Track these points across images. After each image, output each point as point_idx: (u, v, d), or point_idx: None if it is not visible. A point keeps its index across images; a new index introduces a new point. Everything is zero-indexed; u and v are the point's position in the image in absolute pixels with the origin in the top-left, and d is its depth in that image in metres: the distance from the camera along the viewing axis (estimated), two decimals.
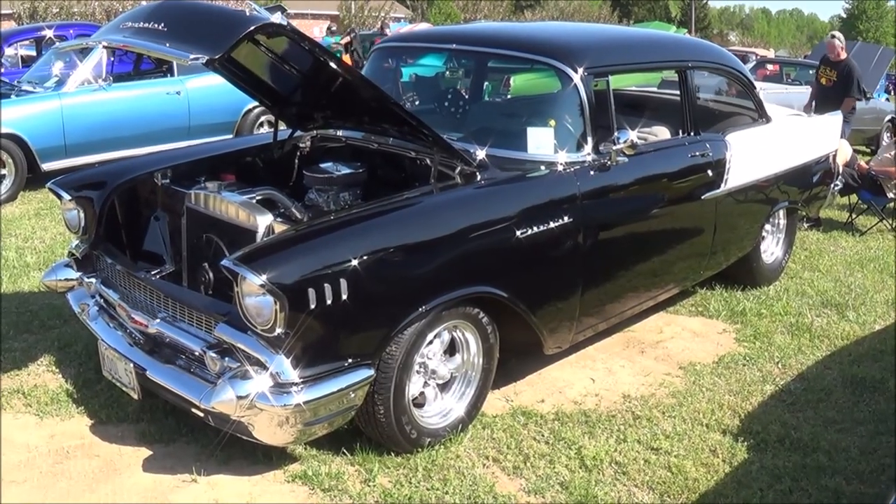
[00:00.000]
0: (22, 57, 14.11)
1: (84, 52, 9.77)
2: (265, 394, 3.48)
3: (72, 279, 4.71)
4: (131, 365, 3.99)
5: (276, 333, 3.45)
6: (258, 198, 4.36)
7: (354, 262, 3.56)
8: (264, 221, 4.09)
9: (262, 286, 3.37)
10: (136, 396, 4.06)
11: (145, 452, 4.00)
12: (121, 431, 4.16)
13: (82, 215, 4.62)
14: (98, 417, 4.27)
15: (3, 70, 12.00)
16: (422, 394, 4.13)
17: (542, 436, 4.24)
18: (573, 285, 4.54)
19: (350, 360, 3.64)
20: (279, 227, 4.06)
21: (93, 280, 4.58)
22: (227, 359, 3.67)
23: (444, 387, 4.22)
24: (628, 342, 5.44)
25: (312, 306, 3.45)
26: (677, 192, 5.28)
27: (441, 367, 4.13)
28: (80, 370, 4.73)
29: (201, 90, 10.24)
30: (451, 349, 4.22)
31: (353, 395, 3.66)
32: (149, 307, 4.15)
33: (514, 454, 4.07)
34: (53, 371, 4.76)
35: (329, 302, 3.48)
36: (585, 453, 4.08)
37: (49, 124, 9.11)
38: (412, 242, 3.86)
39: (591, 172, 4.59)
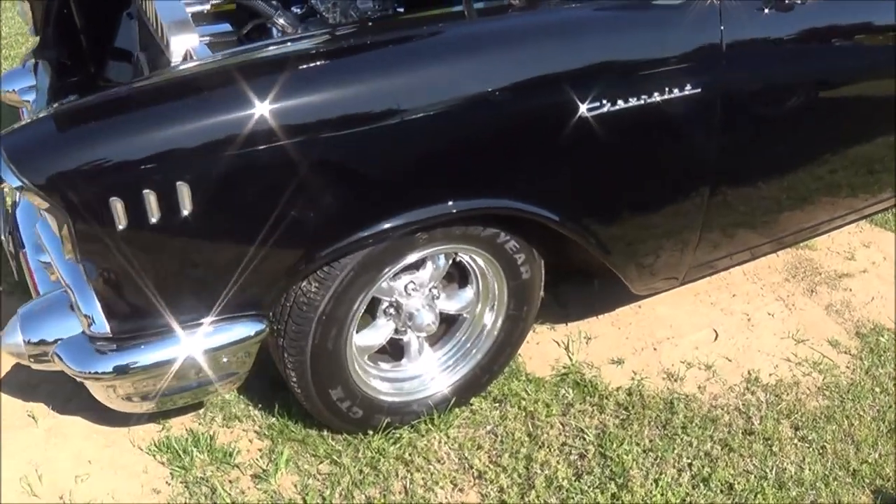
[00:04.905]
0: None
1: None
2: (66, 346, 2.15)
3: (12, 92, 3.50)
4: None
5: (70, 259, 2.05)
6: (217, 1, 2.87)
7: (226, 146, 1.98)
8: (181, 43, 2.54)
9: (22, 188, 1.93)
10: None
11: None
12: None
13: (27, 7, 3.34)
14: None
15: None
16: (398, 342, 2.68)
17: (584, 441, 2.66)
18: (692, 196, 2.75)
19: (219, 309, 2.19)
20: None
21: (29, 99, 3.35)
22: None
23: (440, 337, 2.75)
24: (798, 267, 3.58)
25: (121, 226, 1.98)
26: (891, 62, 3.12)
27: (424, 314, 2.59)
28: None
29: None
30: (463, 279, 2.69)
31: (225, 361, 2.25)
32: None
33: (515, 477, 2.56)
34: None
35: (155, 219, 1.98)
36: None
37: None
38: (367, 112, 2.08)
39: (765, 11, 2.65)
